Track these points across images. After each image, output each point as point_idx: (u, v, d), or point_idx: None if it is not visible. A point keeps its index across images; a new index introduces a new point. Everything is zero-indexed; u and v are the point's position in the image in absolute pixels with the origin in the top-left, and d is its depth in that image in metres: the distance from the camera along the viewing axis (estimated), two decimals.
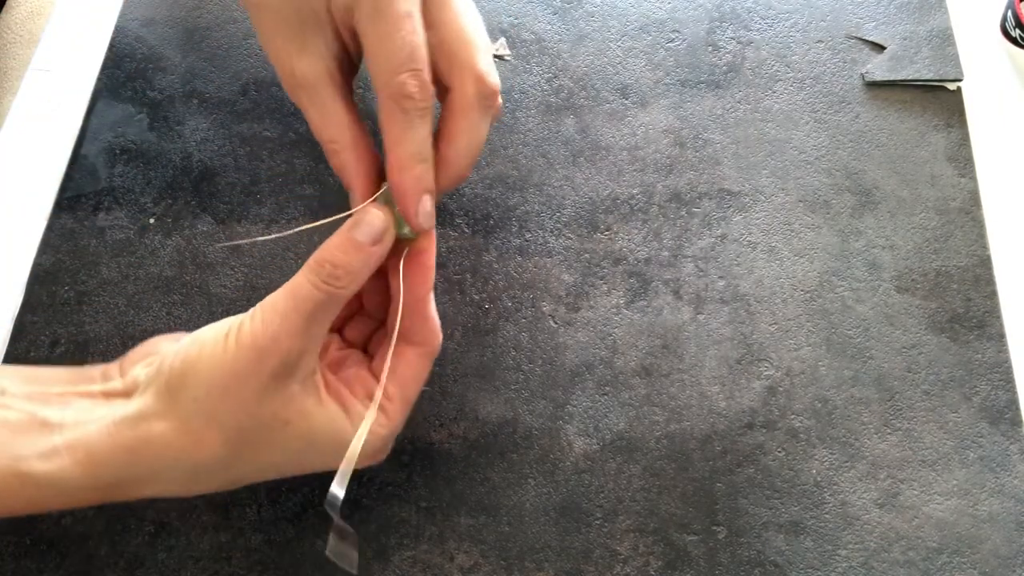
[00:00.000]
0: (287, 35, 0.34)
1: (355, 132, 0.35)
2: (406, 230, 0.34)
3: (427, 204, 0.33)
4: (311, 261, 0.32)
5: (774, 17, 0.51)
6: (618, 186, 0.46)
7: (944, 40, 0.49)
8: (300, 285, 0.31)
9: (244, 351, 0.30)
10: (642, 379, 0.42)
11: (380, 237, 0.33)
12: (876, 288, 0.44)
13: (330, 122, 0.34)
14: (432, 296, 0.35)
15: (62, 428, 0.31)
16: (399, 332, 0.34)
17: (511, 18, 0.51)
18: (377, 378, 0.34)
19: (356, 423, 0.33)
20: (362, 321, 0.38)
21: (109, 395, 0.32)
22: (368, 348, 0.38)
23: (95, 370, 0.34)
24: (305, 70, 0.34)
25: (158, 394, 0.31)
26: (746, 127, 0.48)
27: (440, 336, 0.35)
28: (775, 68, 0.50)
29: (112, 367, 0.34)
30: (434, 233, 0.35)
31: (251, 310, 0.32)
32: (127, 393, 0.32)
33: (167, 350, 0.32)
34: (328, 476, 0.32)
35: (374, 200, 0.34)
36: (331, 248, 0.32)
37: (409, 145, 0.32)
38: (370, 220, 0.32)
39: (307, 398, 0.32)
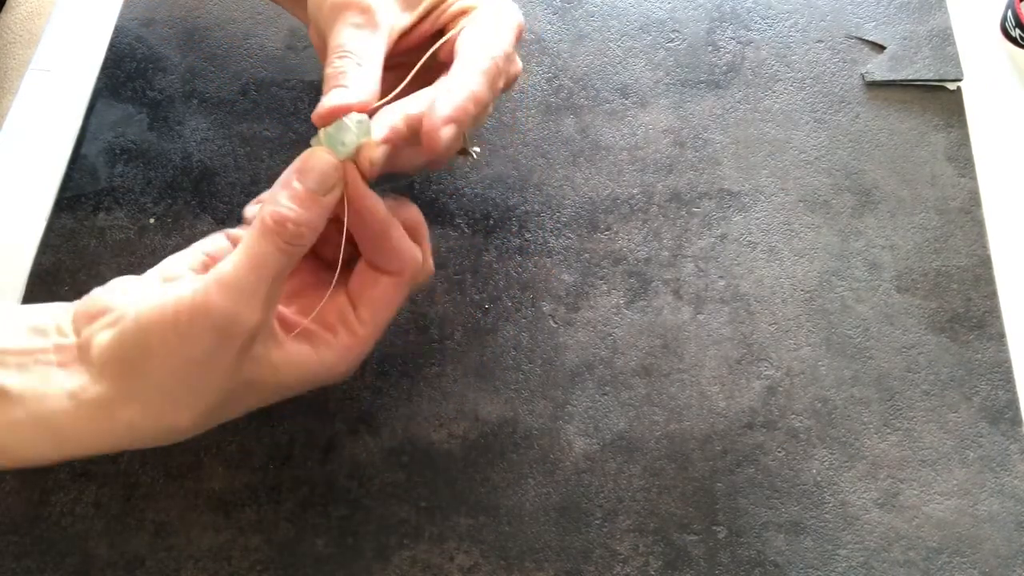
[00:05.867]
0: None
1: (379, 63, 0.33)
2: (344, 148, 0.31)
3: (450, 131, 0.32)
4: (269, 222, 0.30)
5: (774, 17, 0.51)
6: (618, 186, 0.46)
7: (944, 40, 0.49)
8: (263, 254, 0.30)
9: (205, 334, 0.29)
10: (642, 379, 0.42)
11: (331, 181, 0.31)
12: (876, 288, 0.44)
13: (358, 43, 0.33)
14: (396, 225, 0.33)
15: (23, 400, 0.30)
16: (372, 261, 0.34)
17: None
18: (353, 302, 0.34)
19: (323, 354, 0.33)
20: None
21: (63, 354, 0.31)
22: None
23: (47, 317, 0.32)
24: (381, 6, 0.34)
25: (120, 377, 0.30)
26: (746, 127, 0.48)
27: (416, 262, 0.34)
28: (775, 68, 0.50)
29: (63, 317, 0.32)
30: (376, 154, 0.32)
31: (203, 281, 0.30)
32: (82, 357, 0.31)
33: (119, 307, 0.31)
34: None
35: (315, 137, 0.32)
36: (289, 205, 0.30)
37: (477, 83, 0.33)
38: (321, 167, 0.31)
39: (270, 352, 0.31)
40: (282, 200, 0.30)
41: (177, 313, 0.29)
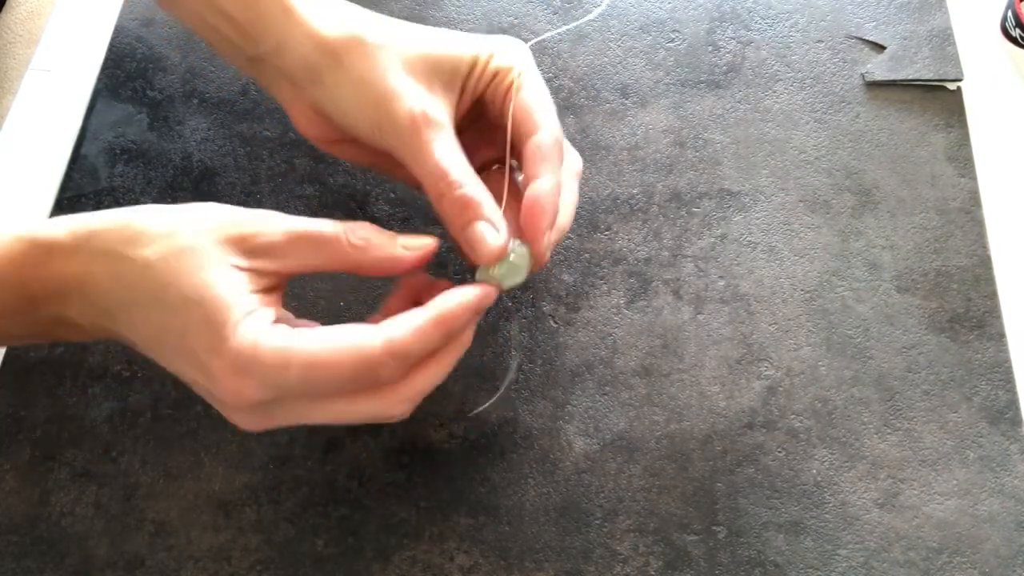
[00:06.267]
0: (415, 78, 0.35)
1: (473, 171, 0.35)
2: (516, 281, 0.35)
3: (549, 239, 0.35)
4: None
5: (774, 17, 0.51)
6: (618, 186, 0.46)
7: (944, 40, 0.49)
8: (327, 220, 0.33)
9: (243, 210, 0.32)
10: (642, 379, 0.42)
11: (416, 248, 0.34)
12: (876, 288, 0.44)
13: (459, 160, 0.34)
14: (430, 320, 0.33)
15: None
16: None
17: (511, 18, 0.51)
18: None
19: (249, 322, 0.30)
20: None
21: None
22: None
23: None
24: (437, 112, 0.35)
25: (177, 205, 0.33)
26: (746, 127, 0.48)
27: (398, 345, 0.32)
28: (775, 68, 0.50)
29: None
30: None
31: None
32: None
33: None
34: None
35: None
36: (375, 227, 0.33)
37: (555, 180, 0.35)
38: (418, 237, 0.34)
39: (235, 275, 0.31)
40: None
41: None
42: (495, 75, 0.36)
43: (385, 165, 0.39)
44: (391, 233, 0.34)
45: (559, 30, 0.37)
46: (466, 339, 0.34)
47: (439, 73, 0.36)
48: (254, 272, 0.32)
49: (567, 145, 0.38)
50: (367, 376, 0.31)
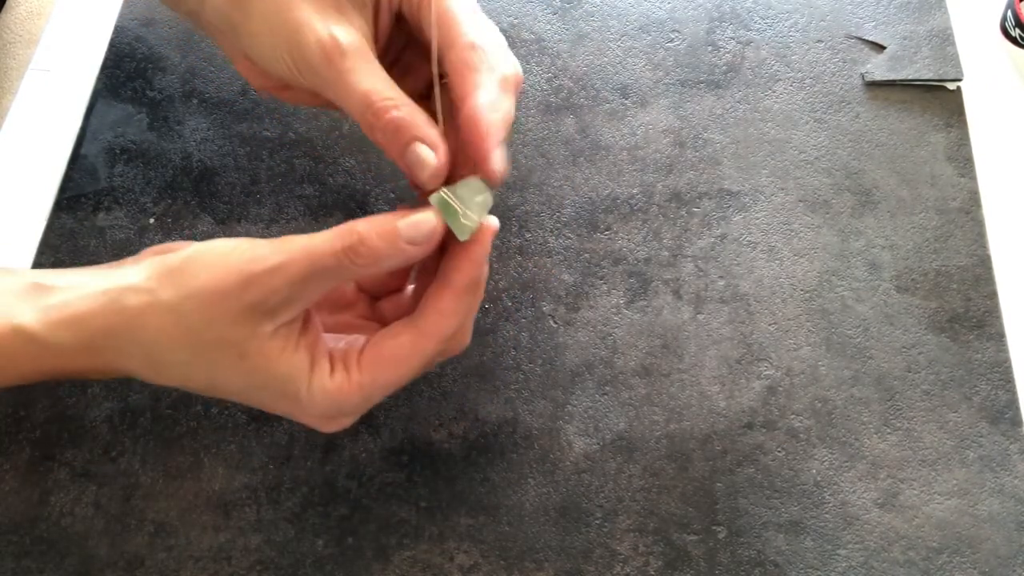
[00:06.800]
0: (321, 5, 0.33)
1: (403, 91, 0.33)
2: (463, 230, 0.32)
3: (501, 153, 0.33)
4: (345, 227, 0.31)
5: (774, 17, 0.51)
6: (618, 186, 0.46)
7: (944, 40, 0.49)
8: (321, 241, 0.30)
9: (235, 270, 0.30)
10: (642, 379, 0.42)
11: (422, 241, 0.31)
12: (876, 288, 0.44)
13: (380, 82, 0.33)
14: (457, 294, 0.33)
15: (56, 290, 0.32)
16: (416, 307, 0.34)
17: (511, 18, 0.51)
18: (365, 346, 0.33)
19: (315, 381, 0.32)
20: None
21: (112, 267, 0.33)
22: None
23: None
24: (347, 36, 0.33)
25: (153, 274, 0.31)
26: (746, 127, 0.48)
27: (445, 330, 0.33)
28: (775, 68, 0.50)
29: (129, 258, 0.34)
30: (488, 238, 0.33)
31: (273, 239, 0.31)
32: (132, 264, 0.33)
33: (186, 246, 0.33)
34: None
35: (432, 193, 0.33)
36: (372, 227, 0.31)
37: (491, 89, 0.33)
38: (419, 220, 0.31)
39: (275, 342, 0.31)
40: (373, 221, 0.31)
41: (239, 245, 0.31)
42: None
43: (333, 105, 0.38)
44: (391, 225, 0.31)
45: None
46: (485, 270, 0.34)
47: None
48: (284, 326, 0.31)
49: (504, 50, 0.35)
50: (437, 355, 0.34)
